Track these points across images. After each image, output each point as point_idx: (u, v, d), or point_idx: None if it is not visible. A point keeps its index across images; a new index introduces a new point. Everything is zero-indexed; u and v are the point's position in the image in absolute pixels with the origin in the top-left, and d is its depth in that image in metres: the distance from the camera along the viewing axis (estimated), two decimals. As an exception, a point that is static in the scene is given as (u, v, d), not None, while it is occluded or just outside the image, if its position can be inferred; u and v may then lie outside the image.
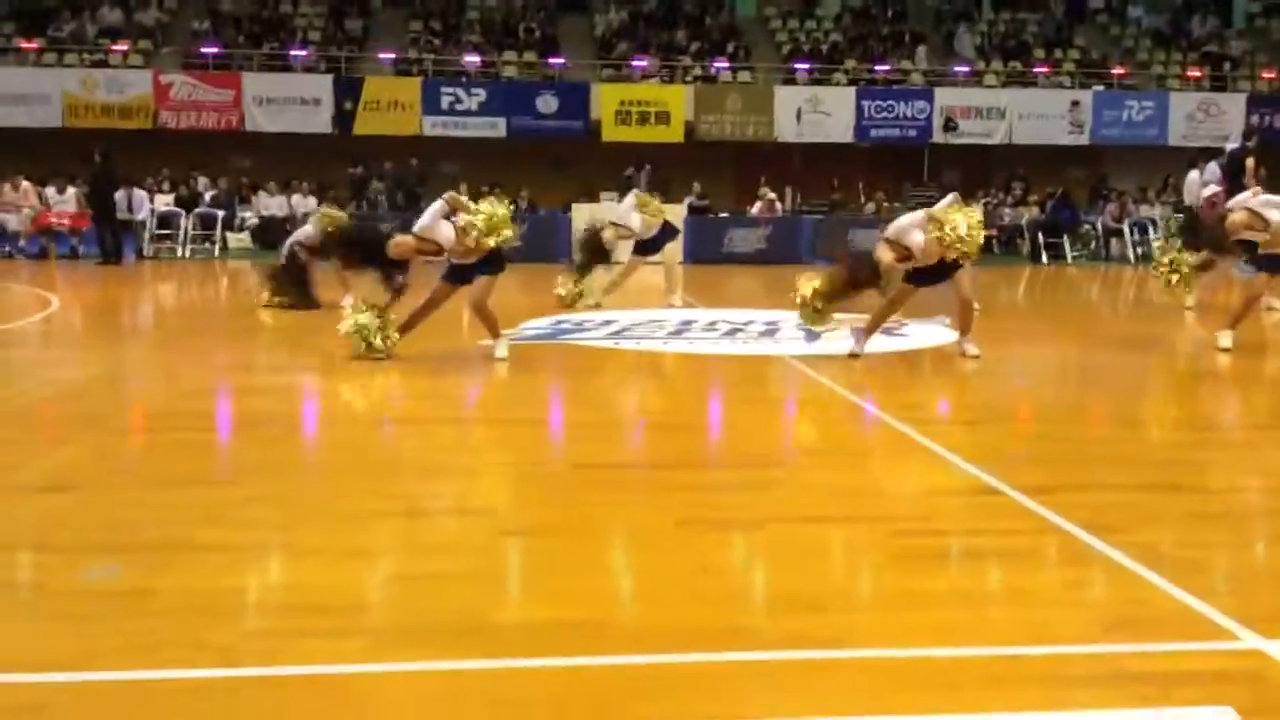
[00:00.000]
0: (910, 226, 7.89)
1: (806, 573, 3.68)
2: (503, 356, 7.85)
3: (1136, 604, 3.40)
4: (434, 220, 7.56)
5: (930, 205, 8.23)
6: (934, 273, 8.05)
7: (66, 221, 18.83)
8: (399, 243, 7.69)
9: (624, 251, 12.31)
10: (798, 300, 8.15)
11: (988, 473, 4.84)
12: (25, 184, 18.97)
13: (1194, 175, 19.04)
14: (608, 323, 10.17)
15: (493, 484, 4.81)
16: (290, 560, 3.76)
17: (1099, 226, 22.07)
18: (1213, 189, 19.27)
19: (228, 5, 26.77)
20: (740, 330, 9.82)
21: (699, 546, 3.94)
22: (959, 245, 7.75)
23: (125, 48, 24.50)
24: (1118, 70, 26.77)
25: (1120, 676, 2.91)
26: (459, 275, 7.80)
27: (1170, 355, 9.75)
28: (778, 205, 22.08)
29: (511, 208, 7.86)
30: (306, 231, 11.18)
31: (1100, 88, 26.17)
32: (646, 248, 11.88)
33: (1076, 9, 30.09)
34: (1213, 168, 19.23)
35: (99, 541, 3.86)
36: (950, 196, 8.11)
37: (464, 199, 7.76)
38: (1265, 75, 27.45)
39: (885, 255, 7.82)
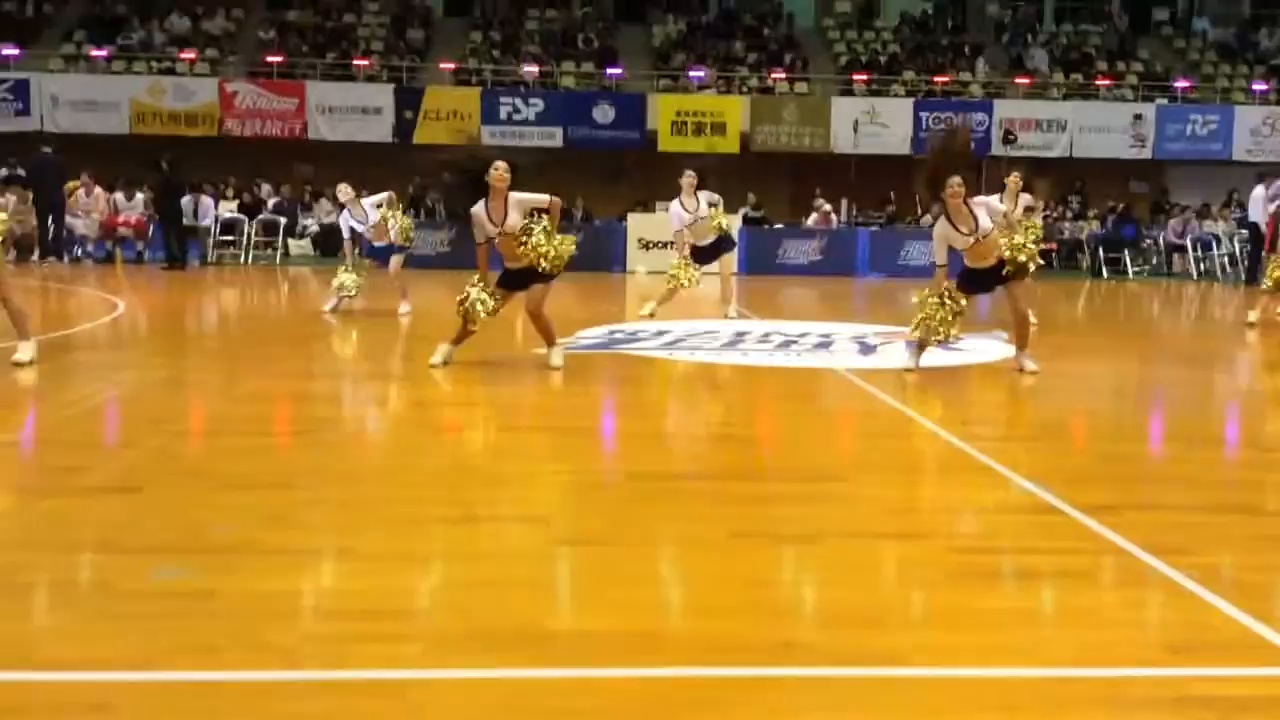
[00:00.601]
0: (992, 208, 7.96)
1: (862, 588, 3.67)
2: (558, 365, 7.88)
3: (1199, 627, 3.35)
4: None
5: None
6: (984, 279, 7.96)
7: (133, 224, 19.23)
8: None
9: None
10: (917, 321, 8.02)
11: (1047, 491, 4.79)
12: (97, 189, 19.38)
13: (1259, 191, 18.70)
14: (662, 333, 10.18)
15: (548, 492, 4.84)
16: (350, 564, 3.80)
17: (1161, 242, 21.74)
18: (1277, 205, 18.91)
19: (293, 15, 27.23)
20: (794, 342, 9.79)
21: (754, 559, 3.93)
22: (1016, 254, 7.75)
23: (192, 56, 24.99)
24: (1181, 83, 26.35)
25: (1182, 701, 2.86)
26: (513, 281, 7.85)
27: (1234, 373, 9.59)
28: (833, 217, 22.00)
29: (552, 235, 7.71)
30: (363, 222, 11.33)
31: (1164, 101, 25.79)
32: (701, 256, 11.70)
33: (1140, 21, 29.69)
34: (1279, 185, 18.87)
35: (163, 543, 3.94)
36: (1026, 199, 8.21)
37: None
38: (1335, 89, 26.91)
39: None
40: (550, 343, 8.00)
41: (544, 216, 7.67)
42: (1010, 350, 8.70)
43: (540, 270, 7.68)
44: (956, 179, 7.55)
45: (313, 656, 3.00)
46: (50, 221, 18.41)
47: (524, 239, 7.58)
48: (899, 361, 8.34)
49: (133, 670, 2.89)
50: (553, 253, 7.60)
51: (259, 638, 3.10)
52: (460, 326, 7.88)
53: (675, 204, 11.45)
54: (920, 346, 8.06)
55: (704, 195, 11.64)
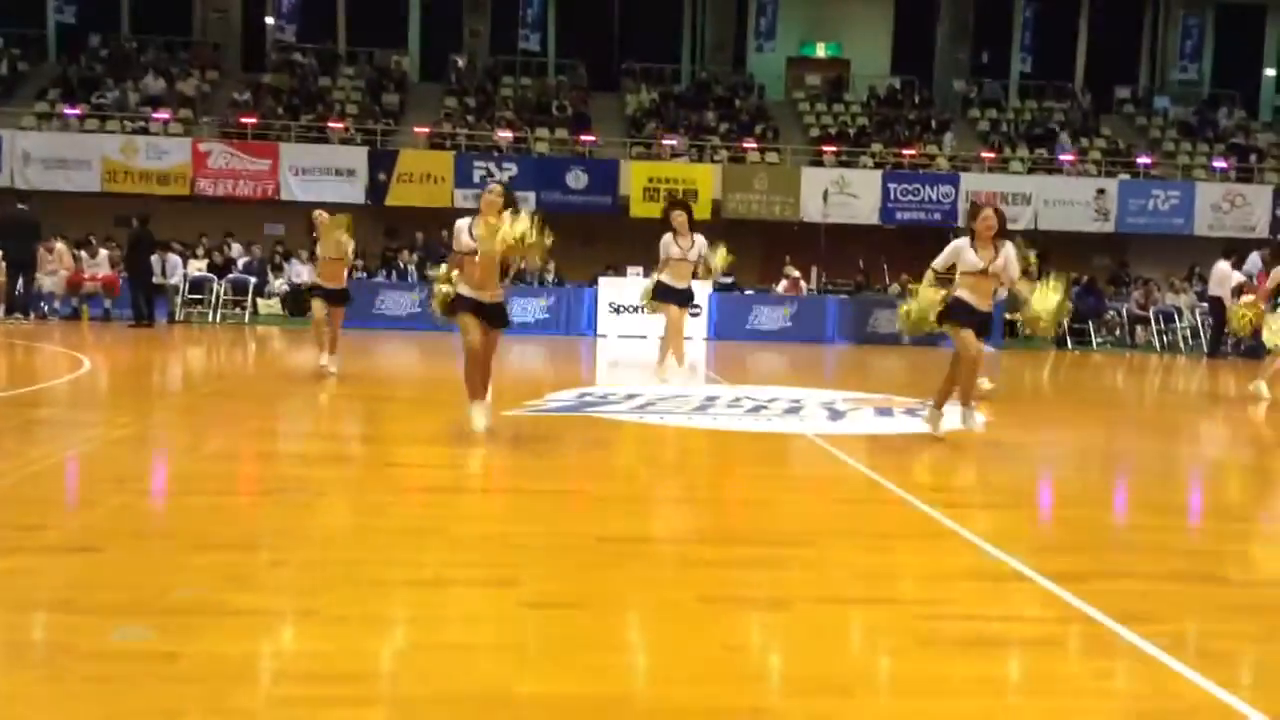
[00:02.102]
0: (1011, 259, 7.97)
1: (831, 655, 3.66)
2: (480, 427, 7.57)
3: (1166, 696, 3.35)
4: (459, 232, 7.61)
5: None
6: (971, 318, 8.01)
7: (99, 281, 19.14)
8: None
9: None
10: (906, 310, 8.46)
11: (1015, 558, 4.81)
12: (59, 246, 19.30)
13: (1222, 265, 19.09)
14: (631, 396, 10.20)
15: (516, 555, 4.80)
16: (314, 627, 3.75)
17: (1124, 314, 22.07)
18: (1239, 278, 19.33)
19: (268, 78, 27.40)
20: (764, 407, 9.82)
21: (723, 624, 3.91)
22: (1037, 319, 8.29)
23: (166, 116, 25.05)
24: (1144, 159, 26.93)
25: (1151, 770, 2.86)
26: (477, 310, 7.55)
27: (1199, 443, 9.69)
28: (802, 284, 22.20)
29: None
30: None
31: (1126, 177, 26.33)
32: (668, 296, 10.99)
33: (1103, 99, 30.41)
34: (1254, 259, 19.30)
35: (124, 603, 3.87)
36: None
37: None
38: (1292, 167, 27.59)
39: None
40: (482, 395, 7.63)
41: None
42: (980, 419, 8.74)
43: (508, 268, 7.48)
44: (992, 211, 7.84)
45: (275, 720, 2.95)
46: (20, 278, 18.32)
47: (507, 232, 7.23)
48: (867, 428, 8.37)
49: (90, 733, 2.83)
50: (530, 238, 7.25)
51: (222, 702, 3.05)
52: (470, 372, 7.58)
53: (668, 238, 10.82)
54: (939, 409, 8.19)
55: (700, 239, 10.97)
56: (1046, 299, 8.38)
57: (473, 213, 7.70)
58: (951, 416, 8.25)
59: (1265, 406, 11.17)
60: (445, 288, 7.62)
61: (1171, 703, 3.30)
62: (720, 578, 4.52)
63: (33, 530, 4.83)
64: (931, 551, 5.08)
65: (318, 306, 11.19)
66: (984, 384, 8.13)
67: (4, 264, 18.41)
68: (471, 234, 7.44)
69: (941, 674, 3.46)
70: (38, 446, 7.10)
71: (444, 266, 7.87)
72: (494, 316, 7.63)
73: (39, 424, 8.15)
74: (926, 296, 8.18)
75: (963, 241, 7.94)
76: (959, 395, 8.17)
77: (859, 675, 3.52)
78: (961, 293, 7.99)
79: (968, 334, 7.95)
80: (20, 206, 18.90)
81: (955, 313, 8.01)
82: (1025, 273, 9.47)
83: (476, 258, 7.40)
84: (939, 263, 8.06)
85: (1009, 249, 7.94)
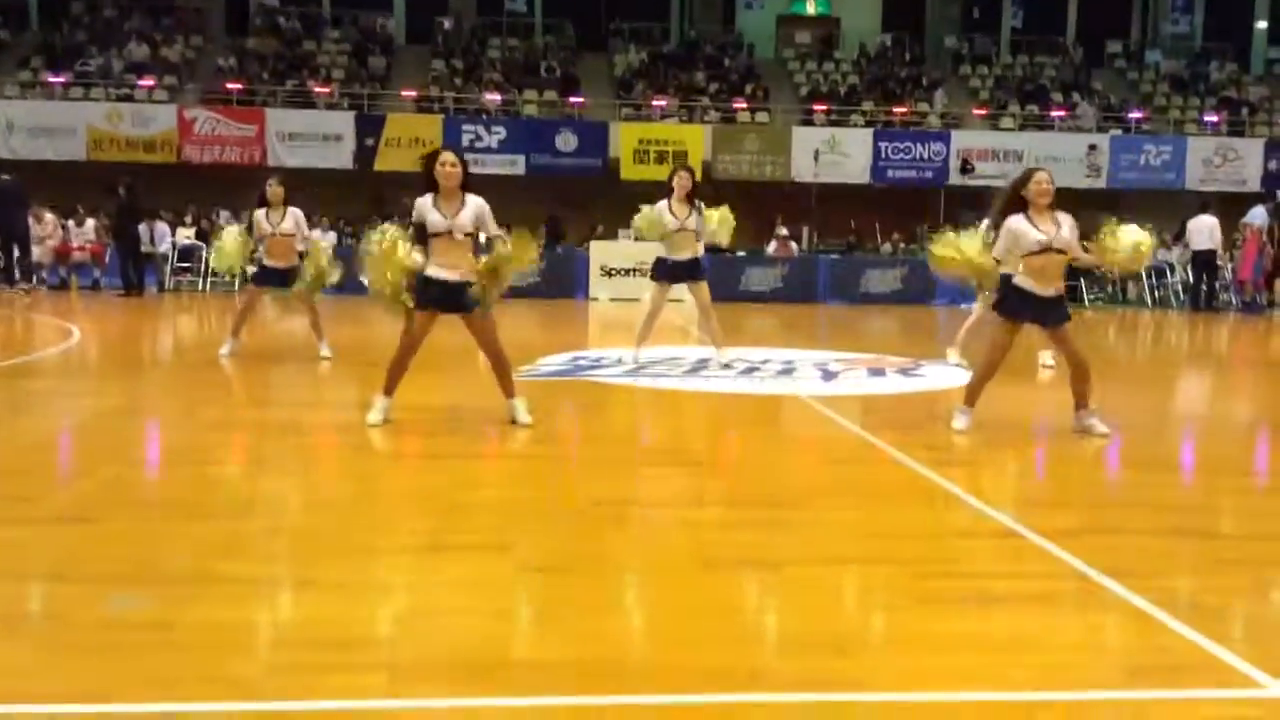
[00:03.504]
0: (1072, 225, 6.79)
1: (826, 615, 3.67)
2: (525, 421, 6.81)
3: (1158, 650, 3.38)
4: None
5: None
6: (1038, 307, 6.77)
7: (87, 250, 19.04)
8: None
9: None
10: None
11: (1007, 515, 4.83)
12: (49, 216, 19.17)
13: (1205, 219, 19.08)
14: (624, 359, 10.18)
15: (512, 520, 4.81)
16: (310, 594, 3.76)
17: (1115, 270, 22.05)
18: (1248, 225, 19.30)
19: (253, 43, 27.14)
20: (757, 369, 9.82)
21: (718, 586, 3.93)
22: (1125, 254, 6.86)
23: (151, 83, 24.83)
24: (1135, 115, 26.84)
25: (1143, 724, 2.89)
26: (443, 300, 6.64)
27: (1192, 399, 9.72)
28: (792, 244, 22.16)
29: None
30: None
31: (1118, 132, 26.26)
32: (672, 273, 9.79)
33: (1094, 53, 30.26)
34: (1259, 211, 19.31)
35: (118, 573, 3.87)
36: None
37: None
38: (1284, 120, 27.55)
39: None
40: (509, 391, 6.90)
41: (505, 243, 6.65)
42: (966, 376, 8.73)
43: (473, 294, 6.53)
44: (1046, 175, 6.73)
45: (273, 688, 2.95)
46: (16, 249, 18.23)
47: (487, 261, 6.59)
48: (863, 388, 8.37)
49: (88, 703, 2.83)
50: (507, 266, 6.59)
51: (218, 669, 3.05)
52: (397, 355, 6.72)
53: (662, 205, 9.58)
54: (971, 405, 7.01)
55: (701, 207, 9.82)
56: (1122, 237, 6.95)
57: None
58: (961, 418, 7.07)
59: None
60: (407, 261, 6.54)
61: (1163, 657, 3.32)
62: (716, 540, 4.53)
63: (26, 501, 4.83)
64: (925, 510, 5.10)
65: (256, 292, 10.26)
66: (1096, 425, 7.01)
67: None
68: (442, 211, 6.46)
69: (936, 631, 3.48)
70: (29, 418, 7.08)
71: (390, 230, 6.69)
72: (459, 298, 6.58)
73: (30, 395, 8.13)
74: (974, 247, 7.09)
75: (1016, 219, 6.65)
76: (1074, 394, 6.93)
77: (855, 635, 3.54)
78: (1023, 280, 6.73)
79: (1011, 337, 6.84)
80: (4, 177, 18.76)
81: (1014, 307, 6.78)
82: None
83: (456, 237, 6.48)
84: (1000, 252, 6.80)
85: (1067, 217, 6.76)
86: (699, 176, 10.45)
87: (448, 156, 6.55)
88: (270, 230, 9.92)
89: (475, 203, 6.59)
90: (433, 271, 6.53)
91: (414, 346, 6.72)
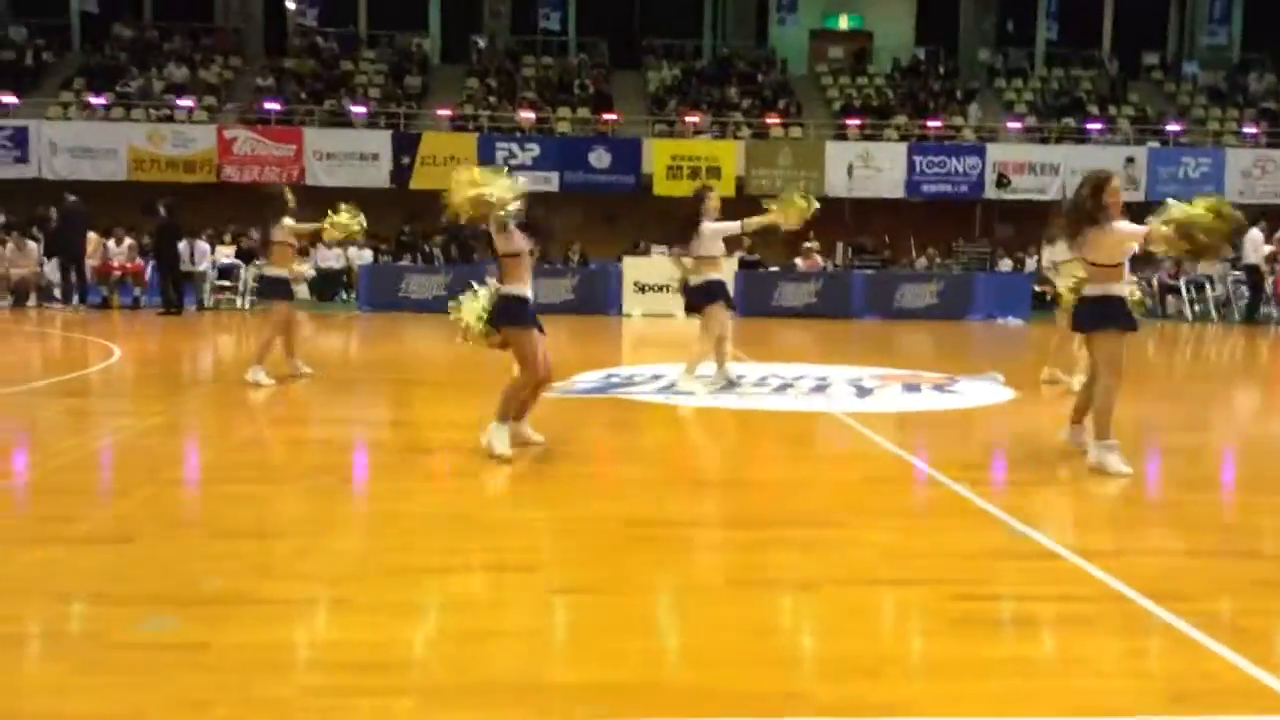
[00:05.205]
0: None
1: (862, 637, 3.63)
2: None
3: (1202, 675, 3.31)
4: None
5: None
6: (1111, 310, 6.29)
7: (129, 269, 19.31)
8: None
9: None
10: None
11: (1045, 535, 4.76)
12: (92, 235, 19.43)
13: (1254, 233, 18.87)
14: (657, 377, 10.17)
15: (544, 540, 4.80)
16: (343, 615, 3.77)
17: (1154, 283, 21.82)
18: (1270, 248, 19.12)
19: (290, 63, 27.45)
20: (791, 385, 9.78)
21: (752, 607, 3.90)
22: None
23: (191, 104, 25.16)
24: (1173, 127, 26.58)
25: (1186, 751, 2.83)
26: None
27: (1233, 415, 9.58)
28: (818, 258, 22.06)
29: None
30: None
31: (1155, 144, 26.00)
32: (692, 295, 9.49)
33: (1130, 65, 30.00)
34: None
35: (155, 593, 3.89)
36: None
37: None
38: (1324, 131, 27.18)
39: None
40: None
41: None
42: (1007, 394, 8.66)
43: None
44: (1118, 180, 6.27)
45: (305, 710, 2.95)
46: (74, 268, 18.57)
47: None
48: (895, 406, 8.27)
49: (122, 725, 2.84)
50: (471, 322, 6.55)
51: (251, 691, 3.06)
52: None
53: (707, 223, 9.19)
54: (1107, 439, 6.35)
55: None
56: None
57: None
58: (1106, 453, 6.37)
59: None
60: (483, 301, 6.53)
61: (1205, 682, 3.26)
62: (749, 560, 4.50)
63: (64, 521, 4.87)
64: (961, 530, 5.04)
65: (287, 306, 9.86)
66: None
67: (56, 258, 18.71)
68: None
69: (973, 655, 3.44)
70: (69, 437, 7.16)
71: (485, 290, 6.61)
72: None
73: (70, 414, 8.22)
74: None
75: (1124, 224, 6.12)
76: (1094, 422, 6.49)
77: (890, 657, 3.50)
78: (1117, 287, 6.30)
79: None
80: (71, 199, 19.09)
81: (1120, 316, 6.29)
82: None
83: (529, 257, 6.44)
84: (1105, 258, 6.22)
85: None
86: (732, 191, 10.24)
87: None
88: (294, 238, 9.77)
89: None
90: (522, 291, 6.41)
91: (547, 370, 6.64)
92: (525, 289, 6.40)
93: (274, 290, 9.85)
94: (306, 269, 21.59)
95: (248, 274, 20.02)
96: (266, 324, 9.95)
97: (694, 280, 9.28)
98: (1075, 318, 6.61)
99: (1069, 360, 9.67)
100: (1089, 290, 6.38)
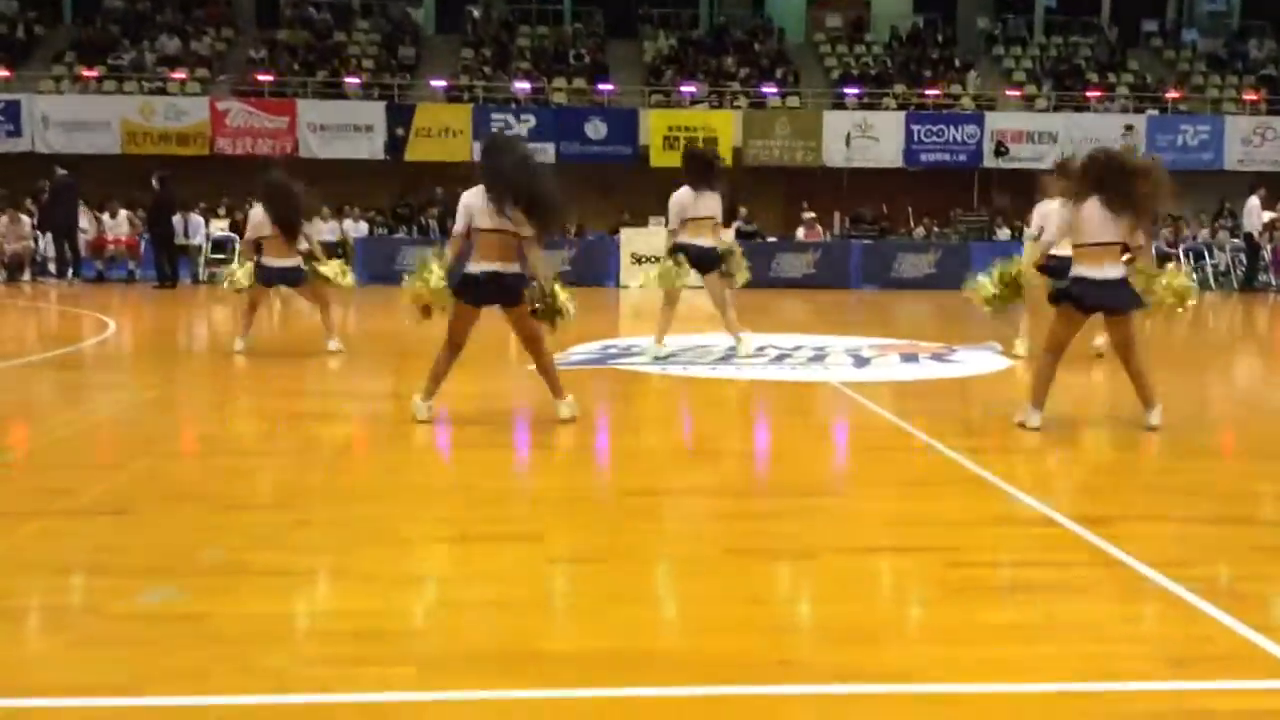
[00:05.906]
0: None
1: (860, 604, 3.63)
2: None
3: (1201, 640, 3.32)
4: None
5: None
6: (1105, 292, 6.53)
7: (122, 242, 19.25)
8: None
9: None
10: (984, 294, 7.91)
11: (1044, 503, 4.76)
12: (84, 209, 19.36)
13: (1254, 201, 18.82)
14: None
15: (542, 510, 4.80)
16: (342, 585, 3.77)
17: (1152, 251, 21.80)
18: (1270, 215, 19.06)
19: (283, 34, 27.24)
20: (789, 356, 9.76)
21: (750, 576, 3.90)
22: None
23: (183, 76, 24.98)
24: (1172, 94, 26.46)
25: (1184, 715, 2.84)
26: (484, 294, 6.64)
27: (1227, 383, 9.58)
28: (818, 228, 22.01)
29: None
30: None
31: (1154, 112, 25.88)
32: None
33: (1129, 33, 29.82)
34: None
35: (153, 565, 3.89)
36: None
37: None
38: (1324, 98, 27.07)
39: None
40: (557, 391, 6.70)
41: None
42: (1004, 363, 8.64)
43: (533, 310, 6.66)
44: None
45: (304, 680, 2.95)
46: (67, 242, 18.53)
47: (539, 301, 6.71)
48: (896, 375, 8.29)
49: (122, 696, 2.84)
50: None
51: (250, 661, 3.06)
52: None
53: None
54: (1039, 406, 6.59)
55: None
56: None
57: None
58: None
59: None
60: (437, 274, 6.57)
61: (1204, 647, 3.26)
62: (747, 529, 4.50)
63: (62, 493, 4.86)
64: (959, 498, 5.04)
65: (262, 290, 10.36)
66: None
67: (49, 232, 18.65)
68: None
69: (971, 621, 3.44)
70: (66, 410, 7.14)
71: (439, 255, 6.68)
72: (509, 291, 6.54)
73: (67, 387, 8.20)
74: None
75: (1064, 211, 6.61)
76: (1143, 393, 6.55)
77: (887, 625, 3.50)
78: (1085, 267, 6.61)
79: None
80: (61, 172, 19.00)
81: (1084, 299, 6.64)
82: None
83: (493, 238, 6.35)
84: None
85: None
86: (729, 162, 10.26)
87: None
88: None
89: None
90: (473, 268, 6.45)
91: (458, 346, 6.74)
92: (486, 266, 6.40)
93: (304, 277, 10.33)
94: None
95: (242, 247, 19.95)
96: (318, 298, 10.44)
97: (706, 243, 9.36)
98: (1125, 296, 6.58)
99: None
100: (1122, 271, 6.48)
